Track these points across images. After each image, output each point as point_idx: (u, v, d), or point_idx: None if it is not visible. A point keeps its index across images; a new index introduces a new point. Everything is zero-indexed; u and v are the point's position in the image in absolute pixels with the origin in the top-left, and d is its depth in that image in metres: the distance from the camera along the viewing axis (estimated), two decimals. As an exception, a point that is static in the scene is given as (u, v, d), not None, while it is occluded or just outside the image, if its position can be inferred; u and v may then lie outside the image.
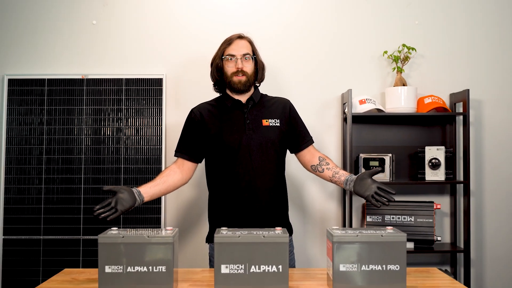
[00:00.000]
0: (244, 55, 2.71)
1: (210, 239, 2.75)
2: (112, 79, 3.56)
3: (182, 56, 3.60)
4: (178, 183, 2.73)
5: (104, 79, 3.56)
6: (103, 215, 2.35)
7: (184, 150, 2.75)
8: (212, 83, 2.85)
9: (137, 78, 3.56)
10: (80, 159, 3.51)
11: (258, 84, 2.84)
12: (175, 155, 2.77)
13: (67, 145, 3.52)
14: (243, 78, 2.69)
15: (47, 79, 3.55)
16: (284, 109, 2.79)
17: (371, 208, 3.46)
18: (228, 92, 2.77)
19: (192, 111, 2.80)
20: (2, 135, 3.52)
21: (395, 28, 3.63)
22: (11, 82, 3.55)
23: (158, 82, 3.56)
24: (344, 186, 2.65)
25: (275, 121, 2.72)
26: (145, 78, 3.56)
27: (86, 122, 3.53)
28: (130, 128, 3.53)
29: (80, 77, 3.56)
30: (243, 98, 2.75)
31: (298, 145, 2.81)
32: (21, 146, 3.51)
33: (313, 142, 2.85)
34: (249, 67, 2.72)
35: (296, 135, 2.79)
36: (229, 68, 2.71)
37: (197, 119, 2.74)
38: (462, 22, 3.64)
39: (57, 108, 3.54)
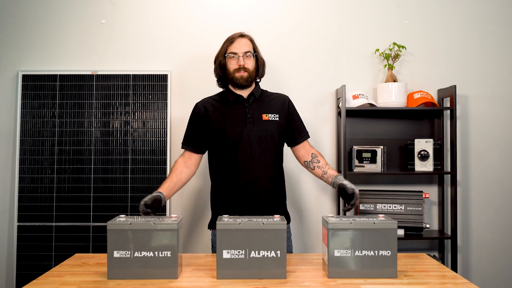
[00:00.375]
0: (246, 52, 2.71)
1: (212, 225, 2.75)
2: (120, 75, 3.54)
3: (186, 54, 3.59)
4: (189, 177, 2.76)
5: (113, 75, 3.54)
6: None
7: (191, 143, 2.76)
8: (216, 79, 2.85)
9: (143, 74, 3.54)
10: (90, 150, 3.50)
11: (259, 80, 2.84)
12: (182, 148, 2.77)
13: (77, 137, 3.51)
14: (245, 74, 2.69)
15: (59, 74, 3.54)
16: (283, 104, 2.79)
17: (364, 197, 3.46)
18: (231, 87, 2.77)
19: (196, 105, 2.80)
20: (16, 127, 3.51)
21: (386, 28, 3.62)
22: (25, 77, 3.53)
23: (163, 78, 3.54)
24: (331, 186, 2.69)
25: (274, 115, 2.72)
26: (151, 74, 3.55)
27: (96, 115, 3.52)
28: (137, 121, 3.52)
29: (90, 73, 3.54)
30: (245, 93, 2.75)
31: (294, 139, 2.80)
32: (35, 138, 3.50)
33: (309, 137, 2.84)
34: (250, 63, 2.72)
35: (293, 130, 2.79)
36: (232, 65, 2.71)
37: (201, 113, 2.74)
38: (449, 22, 3.63)
39: (68, 102, 3.53)
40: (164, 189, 2.60)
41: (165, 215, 3.42)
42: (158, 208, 2.48)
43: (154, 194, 2.50)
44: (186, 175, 2.73)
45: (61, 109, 3.52)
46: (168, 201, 3.47)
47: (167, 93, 3.53)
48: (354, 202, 2.49)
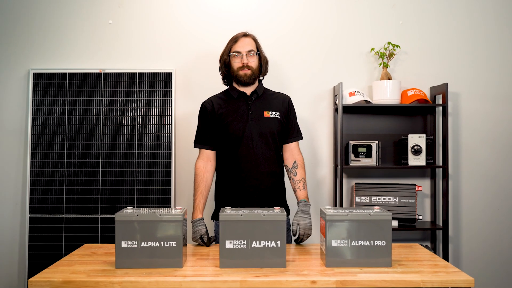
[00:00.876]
0: (249, 51, 2.71)
1: (215, 217, 2.76)
2: (127, 73, 3.53)
3: (190, 53, 3.58)
4: (212, 180, 2.79)
5: (119, 73, 3.53)
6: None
7: (206, 141, 2.76)
8: (221, 77, 2.86)
9: (149, 72, 3.53)
10: (98, 145, 3.50)
11: (262, 78, 2.85)
12: (197, 147, 2.78)
13: (86, 132, 3.50)
14: (249, 72, 2.70)
15: (68, 73, 3.53)
16: (283, 103, 2.79)
17: (360, 190, 3.46)
18: (235, 85, 2.78)
19: (203, 104, 2.80)
20: (28, 123, 3.51)
21: (381, 28, 3.61)
22: (36, 75, 3.52)
23: (168, 76, 3.54)
24: None
25: (275, 113, 2.73)
26: (156, 72, 3.54)
27: (103, 112, 3.51)
28: (143, 117, 3.52)
29: (97, 71, 3.54)
30: (248, 90, 2.75)
31: (285, 137, 2.80)
32: (45, 133, 3.50)
33: (301, 139, 2.84)
34: (253, 62, 2.72)
35: (287, 129, 2.79)
36: (236, 63, 2.72)
37: (209, 110, 2.76)
38: (442, 22, 3.62)
39: (77, 99, 3.52)
40: (202, 210, 2.67)
41: (170, 207, 3.43)
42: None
43: (200, 226, 2.56)
44: (210, 181, 2.76)
45: (70, 105, 3.52)
46: (173, 194, 3.47)
47: (172, 90, 3.53)
48: (300, 239, 2.55)
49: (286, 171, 2.81)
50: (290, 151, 2.80)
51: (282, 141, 2.81)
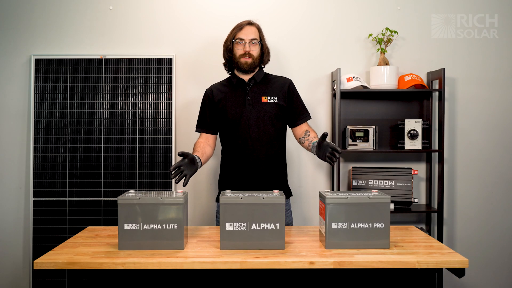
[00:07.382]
0: (252, 39, 2.74)
1: (218, 199, 2.78)
2: (128, 59, 3.50)
3: (191, 39, 3.54)
4: (211, 154, 2.79)
5: (120, 59, 3.50)
6: (174, 179, 2.43)
7: (205, 125, 2.81)
8: (223, 63, 2.89)
9: (149, 58, 3.50)
10: (100, 130, 3.48)
11: (263, 66, 2.84)
12: (197, 131, 2.83)
13: (88, 117, 3.49)
14: (249, 60, 2.72)
15: (70, 59, 3.50)
16: (283, 87, 2.79)
17: (357, 173, 3.46)
18: (236, 72, 2.81)
19: (206, 90, 2.85)
20: (30, 109, 3.48)
21: (379, 13, 3.57)
22: (38, 61, 3.49)
23: (169, 61, 3.51)
24: (313, 153, 2.59)
25: (273, 98, 2.73)
26: (157, 58, 3.51)
27: (105, 97, 3.49)
28: (144, 102, 3.49)
29: (99, 57, 3.50)
30: (247, 77, 2.76)
31: (293, 121, 2.81)
32: (48, 118, 3.48)
33: (309, 118, 2.84)
34: (255, 50, 2.74)
35: (292, 112, 2.79)
36: (238, 50, 2.74)
37: (209, 96, 2.80)
38: (438, 8, 3.59)
39: (79, 85, 3.50)
40: (199, 156, 2.60)
41: (171, 190, 3.43)
42: (192, 162, 2.43)
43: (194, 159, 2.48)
44: (208, 152, 2.75)
45: (72, 91, 3.49)
46: (173, 178, 3.46)
47: (172, 76, 3.50)
48: (335, 148, 2.30)
49: (301, 142, 2.77)
50: (301, 129, 2.80)
51: (289, 125, 2.83)
